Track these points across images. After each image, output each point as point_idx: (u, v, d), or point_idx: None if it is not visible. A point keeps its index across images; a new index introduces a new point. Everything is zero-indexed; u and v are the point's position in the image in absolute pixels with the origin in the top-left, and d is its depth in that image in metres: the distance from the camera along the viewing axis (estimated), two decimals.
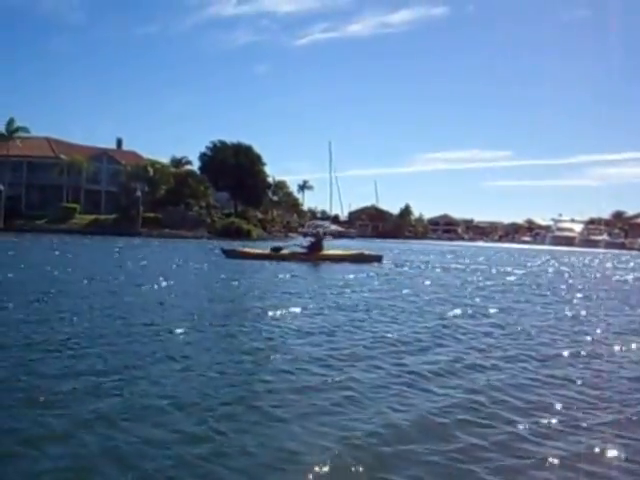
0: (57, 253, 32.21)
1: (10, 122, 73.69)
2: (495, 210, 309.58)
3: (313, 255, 30.33)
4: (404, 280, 23.92)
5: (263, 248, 34.46)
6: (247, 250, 33.02)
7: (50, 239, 46.06)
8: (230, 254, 31.76)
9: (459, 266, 35.03)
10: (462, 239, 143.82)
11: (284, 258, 30.41)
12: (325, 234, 32.16)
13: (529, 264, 42.85)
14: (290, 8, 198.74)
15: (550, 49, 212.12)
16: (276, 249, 31.74)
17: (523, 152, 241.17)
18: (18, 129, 73.94)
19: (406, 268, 31.30)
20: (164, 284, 17.90)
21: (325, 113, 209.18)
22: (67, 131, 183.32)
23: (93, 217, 71.56)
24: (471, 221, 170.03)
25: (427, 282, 23.09)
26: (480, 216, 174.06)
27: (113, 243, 44.66)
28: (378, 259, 32.42)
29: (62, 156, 76.07)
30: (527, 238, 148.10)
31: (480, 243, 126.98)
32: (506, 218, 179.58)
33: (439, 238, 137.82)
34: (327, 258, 30.88)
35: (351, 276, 23.54)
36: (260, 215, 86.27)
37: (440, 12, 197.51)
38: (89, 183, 77.96)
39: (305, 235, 32.81)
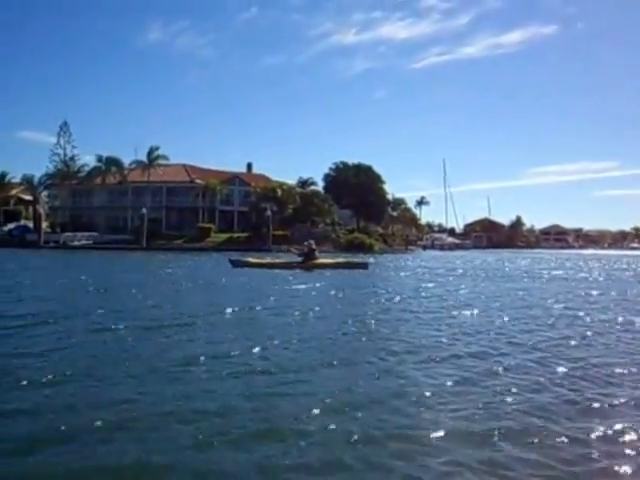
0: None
1: (151, 151, 73.78)
2: (604, 219, 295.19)
3: (306, 264, 30.28)
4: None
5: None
6: (251, 260, 32.50)
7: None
8: (236, 263, 31.27)
9: None
10: (572, 247, 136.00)
11: (283, 266, 30.77)
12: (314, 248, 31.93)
13: None
14: (406, 34, 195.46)
15: None
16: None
17: (630, 162, 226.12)
18: (158, 157, 73.94)
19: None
20: None
21: (440, 132, 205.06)
22: (201, 157, 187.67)
23: (227, 236, 70.04)
24: (580, 230, 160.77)
25: None
26: (589, 225, 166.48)
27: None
28: (364, 266, 32.19)
29: (198, 181, 75.33)
30: (635, 245, 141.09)
31: (590, 251, 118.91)
32: (614, 226, 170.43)
33: (551, 247, 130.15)
34: (319, 266, 30.61)
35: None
36: (381, 230, 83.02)
37: (550, 30, 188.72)
38: (222, 204, 76.72)
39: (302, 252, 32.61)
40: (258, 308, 13.68)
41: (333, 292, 18.43)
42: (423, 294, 18.57)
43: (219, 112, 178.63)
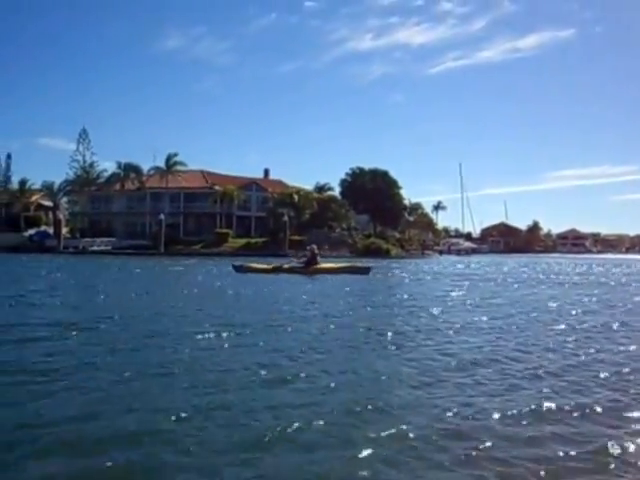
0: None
1: (169, 157, 73.86)
2: (622, 223, 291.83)
3: (309, 268, 30.33)
4: None
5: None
6: (254, 265, 32.44)
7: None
8: (239, 269, 31.46)
9: None
10: (590, 252, 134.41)
11: (285, 271, 30.46)
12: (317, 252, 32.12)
13: None
14: (422, 39, 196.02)
15: None
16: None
17: None
18: (176, 163, 74.01)
19: None
20: None
21: (457, 136, 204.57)
22: (218, 161, 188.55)
23: (244, 241, 70.01)
24: (598, 234, 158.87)
25: None
26: (607, 229, 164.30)
27: None
28: (366, 271, 31.63)
29: (215, 187, 75.17)
30: None
31: (609, 255, 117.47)
32: (633, 231, 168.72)
33: (568, 252, 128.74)
34: (321, 271, 30.65)
35: None
36: (398, 235, 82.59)
37: (568, 34, 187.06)
38: (240, 210, 76.55)
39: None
40: (296, 315, 13.29)
41: (361, 300, 17.91)
42: (449, 301, 17.89)
43: (236, 117, 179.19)
